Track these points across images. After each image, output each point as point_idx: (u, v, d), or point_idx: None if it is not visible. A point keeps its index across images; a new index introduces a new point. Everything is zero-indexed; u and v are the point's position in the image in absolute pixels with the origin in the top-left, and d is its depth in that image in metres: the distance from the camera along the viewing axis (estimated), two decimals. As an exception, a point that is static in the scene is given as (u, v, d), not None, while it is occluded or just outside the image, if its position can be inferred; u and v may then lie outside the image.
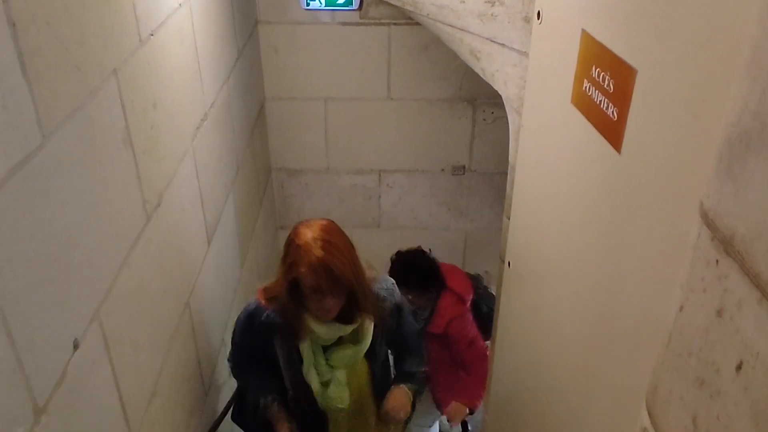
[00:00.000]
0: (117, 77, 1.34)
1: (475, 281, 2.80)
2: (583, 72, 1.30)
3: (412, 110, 3.54)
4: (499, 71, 1.96)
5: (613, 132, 1.14)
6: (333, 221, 1.78)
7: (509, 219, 2.04)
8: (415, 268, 2.65)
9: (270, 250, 3.59)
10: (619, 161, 1.12)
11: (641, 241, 1.06)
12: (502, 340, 2.17)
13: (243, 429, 2.10)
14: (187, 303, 1.86)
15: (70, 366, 1.10)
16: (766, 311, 0.50)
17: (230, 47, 2.61)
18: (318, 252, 1.64)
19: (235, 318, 1.94)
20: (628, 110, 1.07)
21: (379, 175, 3.75)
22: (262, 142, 3.45)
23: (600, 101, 1.19)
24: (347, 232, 1.77)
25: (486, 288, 2.85)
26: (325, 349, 1.85)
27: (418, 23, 2.91)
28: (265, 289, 1.82)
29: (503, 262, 2.11)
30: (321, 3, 3.21)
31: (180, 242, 1.82)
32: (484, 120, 3.57)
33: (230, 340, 1.97)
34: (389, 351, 2.06)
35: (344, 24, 3.30)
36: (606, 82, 1.16)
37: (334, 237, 1.70)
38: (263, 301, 1.81)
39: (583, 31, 1.28)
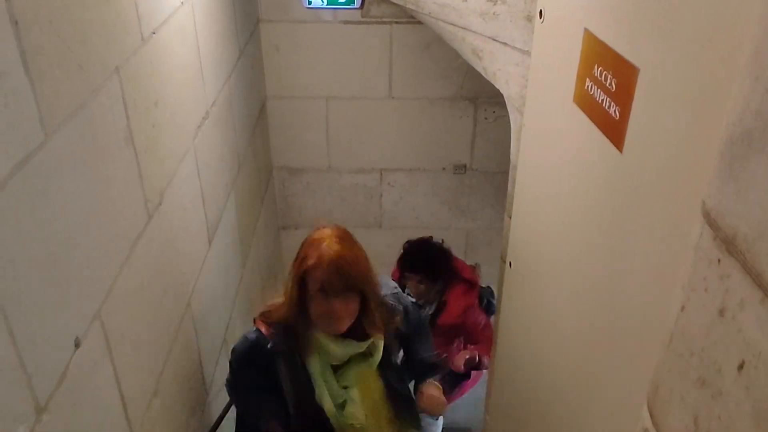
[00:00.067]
0: (119, 76, 1.35)
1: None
2: (585, 71, 1.30)
3: (414, 109, 3.54)
4: (501, 70, 1.95)
5: (615, 131, 1.14)
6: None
7: (510, 218, 2.04)
8: (429, 256, 2.67)
9: (271, 250, 3.59)
10: (621, 160, 1.12)
11: (643, 240, 1.06)
12: (504, 340, 2.17)
13: None
14: (188, 302, 1.86)
15: (72, 365, 1.10)
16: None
17: (232, 46, 2.61)
18: (332, 245, 1.55)
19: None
20: (630, 109, 1.07)
21: (381, 174, 3.75)
22: (264, 140, 3.45)
23: (602, 100, 1.19)
24: (337, 224, 1.71)
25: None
26: (335, 368, 1.71)
27: (419, 22, 2.92)
28: (264, 314, 1.72)
29: (504, 261, 2.11)
30: (323, 1, 3.21)
31: (181, 241, 1.82)
32: (486, 119, 3.57)
33: (229, 367, 1.82)
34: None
35: (346, 23, 3.30)
36: (608, 81, 1.16)
37: (351, 239, 1.63)
38: (263, 328, 1.70)
39: (586, 29, 1.28)
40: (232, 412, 2.15)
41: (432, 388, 1.81)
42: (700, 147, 0.84)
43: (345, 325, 1.61)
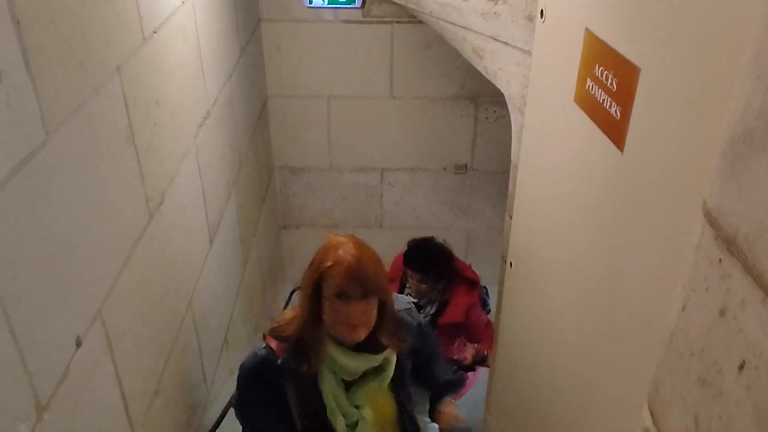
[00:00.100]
0: (120, 75, 1.35)
1: None
2: (586, 70, 1.29)
3: (415, 108, 3.54)
4: (501, 70, 1.95)
5: (616, 131, 1.14)
6: None
7: (511, 218, 2.04)
8: (430, 256, 2.68)
9: (272, 249, 3.60)
10: (622, 160, 1.12)
11: (644, 240, 1.06)
12: (504, 340, 2.17)
13: None
14: (189, 302, 1.87)
15: (73, 364, 1.10)
16: (769, 311, 0.50)
17: (233, 45, 2.61)
18: (350, 249, 1.48)
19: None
20: (631, 109, 1.07)
21: (382, 173, 3.75)
22: (265, 140, 3.45)
23: (603, 100, 1.19)
24: (349, 233, 1.69)
25: None
26: (346, 386, 1.63)
27: (420, 21, 2.92)
28: (274, 330, 1.64)
29: (505, 261, 2.11)
30: (323, 1, 3.21)
31: (182, 241, 1.82)
32: (487, 119, 3.57)
33: (236, 385, 1.73)
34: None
35: (347, 22, 3.30)
36: (609, 80, 1.16)
37: (368, 246, 1.55)
38: (274, 345, 1.62)
39: (587, 29, 1.28)
40: (233, 413, 2.15)
41: (451, 407, 1.80)
42: (702, 147, 0.84)
43: (362, 334, 1.51)
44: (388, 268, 2.54)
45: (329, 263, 1.46)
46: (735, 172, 0.55)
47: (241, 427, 1.99)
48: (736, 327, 0.54)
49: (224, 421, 2.11)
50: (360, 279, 1.44)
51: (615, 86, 1.14)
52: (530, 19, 1.77)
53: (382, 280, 1.50)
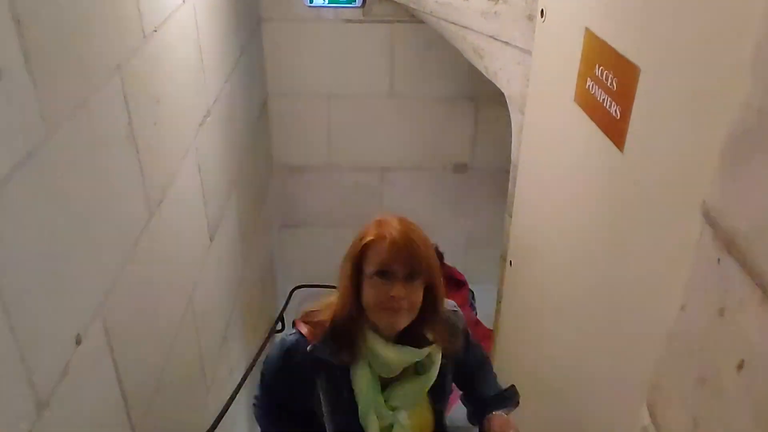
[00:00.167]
0: (120, 73, 1.35)
1: None
2: (586, 70, 1.30)
3: (415, 108, 3.54)
4: (502, 69, 1.95)
5: (615, 130, 1.14)
6: None
7: (511, 217, 2.04)
8: None
9: (272, 248, 3.60)
10: (621, 159, 1.12)
11: (643, 239, 1.06)
12: (504, 339, 2.17)
13: None
14: (189, 300, 1.87)
15: (73, 361, 1.10)
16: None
17: (233, 44, 2.61)
18: (396, 224, 1.32)
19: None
20: (631, 109, 1.07)
21: (381, 172, 3.75)
22: (265, 138, 3.45)
23: (603, 100, 1.19)
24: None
25: None
26: (383, 386, 1.43)
27: (421, 21, 2.91)
28: (307, 314, 1.45)
29: (505, 260, 2.11)
30: (324, 0, 3.21)
31: (182, 239, 1.82)
32: (487, 118, 3.57)
33: (259, 381, 1.54)
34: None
35: (347, 21, 3.30)
36: (609, 80, 1.16)
37: (416, 225, 1.38)
38: (305, 329, 1.41)
39: (587, 29, 1.28)
40: (233, 410, 2.15)
41: (504, 419, 1.50)
42: (701, 146, 0.84)
43: (404, 318, 1.33)
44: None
45: (371, 237, 1.31)
46: (734, 172, 0.55)
47: (245, 427, 1.91)
48: (735, 327, 0.54)
49: (224, 418, 2.12)
50: (405, 256, 1.28)
51: (615, 86, 1.14)
52: (530, 18, 1.77)
53: (431, 261, 1.33)
